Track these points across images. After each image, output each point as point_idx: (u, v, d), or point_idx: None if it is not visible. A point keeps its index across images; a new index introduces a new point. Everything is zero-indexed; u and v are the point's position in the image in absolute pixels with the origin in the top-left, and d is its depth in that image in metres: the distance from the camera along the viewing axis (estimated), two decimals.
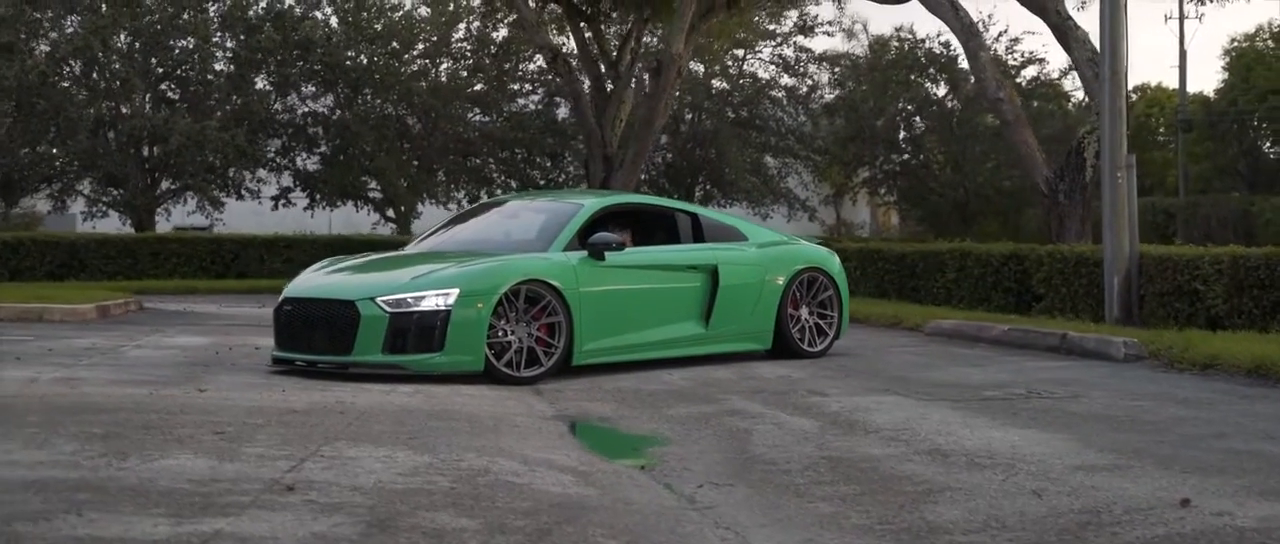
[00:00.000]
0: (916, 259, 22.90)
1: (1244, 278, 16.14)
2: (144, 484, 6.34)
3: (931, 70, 46.84)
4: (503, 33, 43.27)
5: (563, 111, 44.67)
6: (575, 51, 32.29)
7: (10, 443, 7.36)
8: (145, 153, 36.84)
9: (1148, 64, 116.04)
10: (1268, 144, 53.17)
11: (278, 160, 40.37)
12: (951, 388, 10.90)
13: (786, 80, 46.76)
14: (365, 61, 40.18)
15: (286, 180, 41.06)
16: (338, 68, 39.08)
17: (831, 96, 47.54)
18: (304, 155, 41.17)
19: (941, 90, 47.01)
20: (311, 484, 6.41)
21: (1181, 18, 49.63)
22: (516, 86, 43.74)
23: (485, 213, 14.57)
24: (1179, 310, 16.77)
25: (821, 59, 46.80)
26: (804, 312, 13.78)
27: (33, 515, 5.64)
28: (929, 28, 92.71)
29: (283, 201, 41.30)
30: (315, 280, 12.28)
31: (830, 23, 61.37)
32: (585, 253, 12.31)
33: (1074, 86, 45.08)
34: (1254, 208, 46.20)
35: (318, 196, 41.07)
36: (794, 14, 44.20)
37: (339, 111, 40.57)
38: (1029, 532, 5.82)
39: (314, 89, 40.87)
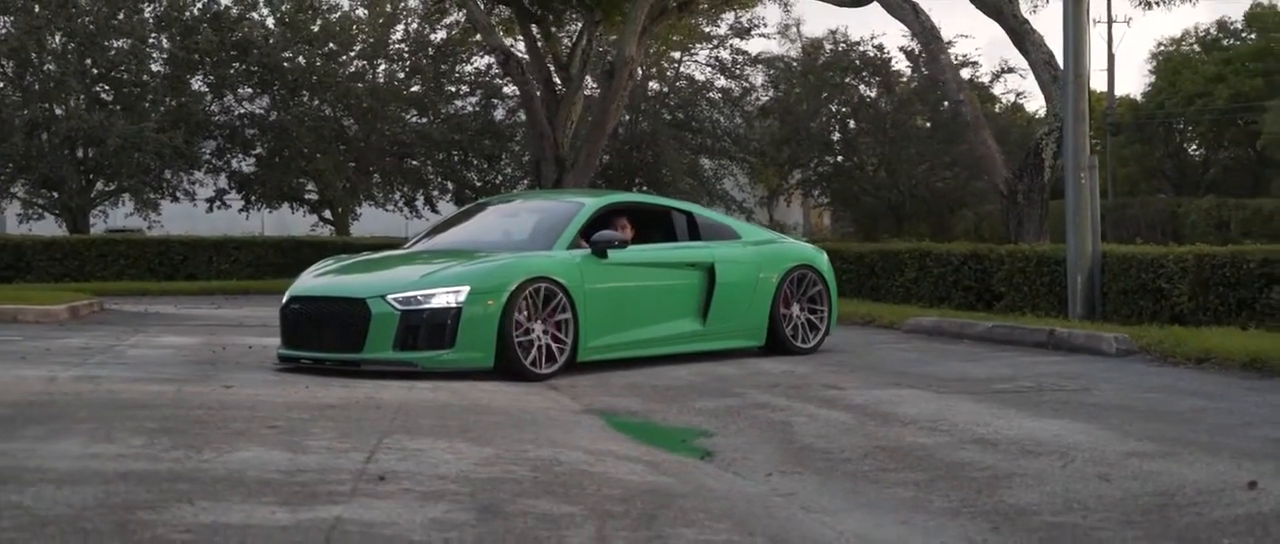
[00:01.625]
0: (875, 258, 23.18)
1: (1209, 276, 16.49)
2: (234, 475, 6.43)
3: (865, 73, 47.28)
4: (441, 35, 43.32)
5: (500, 113, 44.76)
6: (526, 54, 32.35)
7: (76, 438, 7.40)
8: (81, 155, 36.57)
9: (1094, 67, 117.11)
10: (1193, 146, 54.02)
11: (214, 162, 40.18)
12: (960, 382, 11.12)
13: (722, 82, 47.10)
14: (303, 62, 40.08)
15: (221, 182, 40.88)
16: (275, 69, 38.95)
17: (766, 98, 47.91)
18: (240, 157, 40.99)
19: (875, 93, 47.44)
20: (398, 474, 6.51)
21: (1109, 22, 50.40)
22: (454, 88, 43.78)
23: (483, 212, 14.70)
24: (1143, 308, 17.11)
25: (757, 61, 47.15)
26: (795, 308, 14.00)
27: (146, 505, 5.71)
28: (863, 31, 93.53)
29: (218, 203, 41.11)
30: (322, 280, 12.37)
31: (777, 27, 61.44)
32: (588, 251, 12.53)
33: (1005, 90, 46.03)
34: (1180, 209, 46.96)
35: (253, 198, 40.94)
36: (730, 16, 44.48)
37: (275, 113, 40.42)
38: (1112, 512, 6.02)
39: (251, 90, 40.72)
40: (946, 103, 31.72)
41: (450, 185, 44.23)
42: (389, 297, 11.42)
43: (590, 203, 13.24)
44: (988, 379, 11.25)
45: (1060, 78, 21.46)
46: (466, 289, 11.41)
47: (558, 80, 31.04)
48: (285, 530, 5.33)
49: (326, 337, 11.71)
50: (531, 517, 5.72)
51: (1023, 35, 22.14)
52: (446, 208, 44.47)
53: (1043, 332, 14.58)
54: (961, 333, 15.79)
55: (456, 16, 41.58)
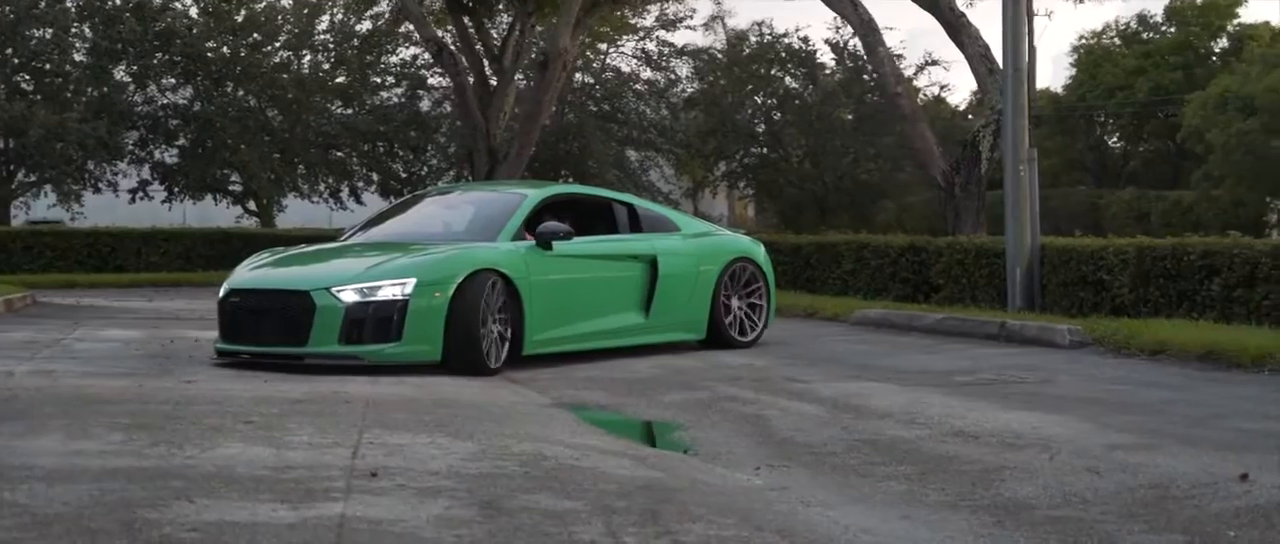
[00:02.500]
0: (812, 250, 23.24)
1: (1150, 268, 16.64)
2: (224, 472, 6.34)
3: (790, 66, 47.40)
4: (366, 26, 43.06)
5: (426, 105, 44.60)
6: (458, 45, 32.21)
7: (52, 434, 7.29)
8: (1, 146, 36.07)
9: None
10: (1114, 139, 54.56)
11: (137, 152, 39.76)
12: (922, 374, 11.15)
13: (648, 74, 47.14)
14: (227, 53, 39.72)
15: (144, 173, 40.46)
16: (199, 59, 38.59)
17: (692, 90, 47.96)
18: (163, 148, 40.59)
19: (800, 85, 47.56)
20: (389, 470, 6.45)
21: (1031, 16, 50.61)
22: (379, 80, 43.56)
23: (421, 203, 14.60)
24: (1083, 300, 17.24)
25: (683, 53, 47.19)
26: (735, 301, 13.97)
27: (145, 503, 5.63)
28: (789, 23, 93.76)
29: (141, 195, 40.69)
30: (261, 272, 12.08)
31: (704, 21, 61.16)
32: (532, 242, 12.35)
33: (929, 82, 46.29)
34: (1101, 201, 47.43)
35: (176, 190, 40.56)
36: (655, 9, 44.52)
37: (199, 103, 40.05)
38: (1110, 505, 6.05)
39: (174, 81, 40.32)
40: (881, 95, 31.83)
41: (376, 177, 44.02)
42: (333, 289, 11.20)
43: (533, 194, 13.08)
44: (949, 371, 11.29)
45: (997, 71, 21.63)
46: (413, 281, 11.21)
47: (490, 72, 30.91)
48: (293, 528, 5.26)
49: (268, 330, 11.44)
50: (535, 512, 5.67)
51: (959, 28, 22.26)
52: (372, 199, 44.26)
53: (994, 324, 14.65)
54: (910, 325, 15.85)
55: (383, 7, 41.38)
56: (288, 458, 6.75)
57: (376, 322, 11.12)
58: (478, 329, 11.25)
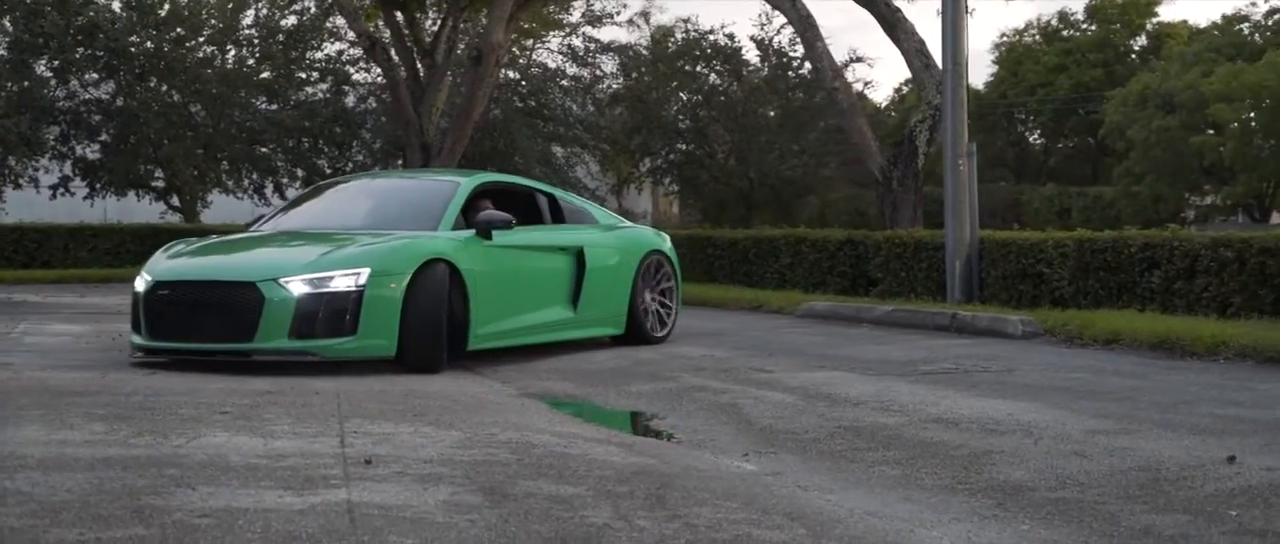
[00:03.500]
0: (749, 245, 23.32)
1: (1090, 261, 16.82)
2: (216, 460, 6.30)
3: (715, 62, 47.52)
4: (291, 20, 42.75)
5: (351, 100, 44.35)
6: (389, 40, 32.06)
7: (32, 425, 7.21)
8: None
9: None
10: (1035, 135, 55.09)
11: (58, 148, 39.28)
12: (883, 364, 11.22)
13: (573, 70, 47.09)
14: (151, 48, 39.31)
15: (66, 169, 39.97)
16: (122, 54, 38.16)
17: (617, 86, 47.98)
18: (85, 143, 40.11)
19: (724, 82, 47.69)
20: (382, 458, 6.43)
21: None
22: (304, 75, 43.27)
23: (334, 190, 13.74)
24: (1022, 292, 17.40)
25: (608, 49, 47.18)
26: (648, 296, 13.57)
27: (148, 490, 5.58)
28: (714, 19, 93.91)
29: (62, 191, 40.20)
30: (190, 262, 11.10)
31: (632, 15, 61.18)
32: (472, 232, 11.63)
33: (853, 79, 46.31)
34: (1023, 197, 47.88)
35: (98, 185, 40.10)
36: (581, 4, 44.49)
37: (122, 98, 39.62)
38: (1106, 487, 6.11)
39: (97, 75, 39.86)
40: (820, 90, 31.92)
41: (300, 172, 43.70)
42: (281, 280, 10.31)
43: (466, 181, 12.40)
44: (908, 361, 11.36)
45: (932, 66, 21.77)
46: (367, 271, 10.42)
47: (422, 67, 30.79)
48: (304, 514, 5.24)
49: (206, 326, 10.44)
50: (540, 497, 5.67)
51: (895, 24, 22.39)
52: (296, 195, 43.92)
53: (944, 315, 14.76)
54: (858, 317, 15.93)
55: (309, 2, 41.12)
56: (277, 447, 6.71)
57: (329, 314, 10.33)
58: (441, 321, 10.58)
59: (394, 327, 10.46)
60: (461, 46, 33.05)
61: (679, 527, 5.22)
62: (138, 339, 10.86)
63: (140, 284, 11.02)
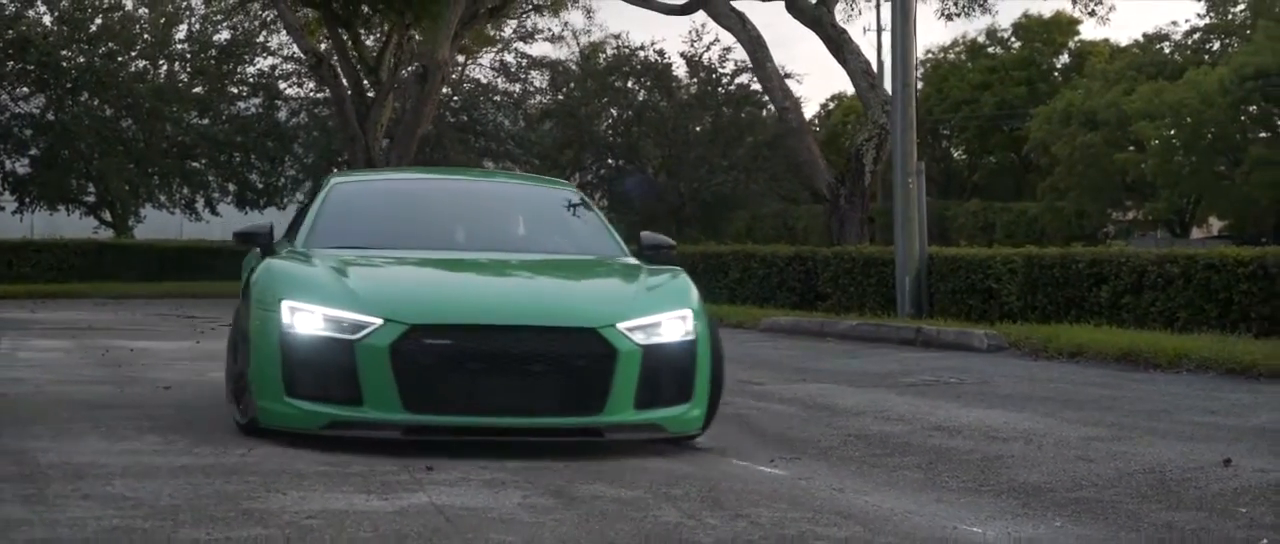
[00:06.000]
0: (697, 259, 23.81)
1: (1038, 276, 17.44)
2: (287, 468, 6.68)
3: (645, 79, 48.09)
4: (224, 35, 42.91)
5: (283, 114, 44.55)
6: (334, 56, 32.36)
7: (89, 437, 7.59)
8: None
9: (846, 75, 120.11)
10: (959, 152, 55.97)
11: None
12: (864, 376, 11.72)
13: (504, 84, 47.56)
14: (83, 62, 39.35)
15: None
16: (53, 68, 38.19)
17: (547, 101, 48.47)
18: (14, 158, 40.09)
19: (656, 98, 48.25)
20: (441, 465, 6.81)
21: (878, 30, 51.94)
22: (237, 90, 43.43)
23: (413, 194, 10.11)
24: (971, 307, 18.01)
25: (540, 65, 47.65)
26: None
27: (243, 496, 5.96)
28: (645, 36, 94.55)
29: None
30: (467, 295, 7.90)
31: (563, 31, 61.30)
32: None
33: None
34: (948, 212, 48.65)
35: (28, 200, 40.08)
36: (513, 21, 44.91)
37: (53, 113, 39.62)
38: (1120, 488, 6.61)
39: (28, 90, 39.85)
40: (773, 109, 32.35)
41: (232, 187, 43.87)
42: (619, 325, 7.51)
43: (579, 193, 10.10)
44: (887, 374, 11.86)
45: (877, 86, 22.41)
46: (690, 313, 7.85)
47: (367, 83, 31.12)
48: (400, 515, 5.64)
49: (515, 393, 7.34)
50: (605, 500, 6.09)
51: (841, 44, 22.98)
52: (227, 210, 44.08)
53: (910, 329, 15.29)
54: (823, 331, 16.44)
55: (242, 17, 41.29)
56: (332, 457, 7.09)
57: (671, 373, 7.64)
58: (723, 378, 8.07)
59: (706, 389, 7.85)
60: (408, 69, 33.38)
61: (746, 525, 5.66)
62: (368, 412, 7.28)
63: (379, 332, 7.29)
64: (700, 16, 28.58)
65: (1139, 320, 15.77)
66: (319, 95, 42.98)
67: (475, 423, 7.30)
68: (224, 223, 44.67)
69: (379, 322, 7.29)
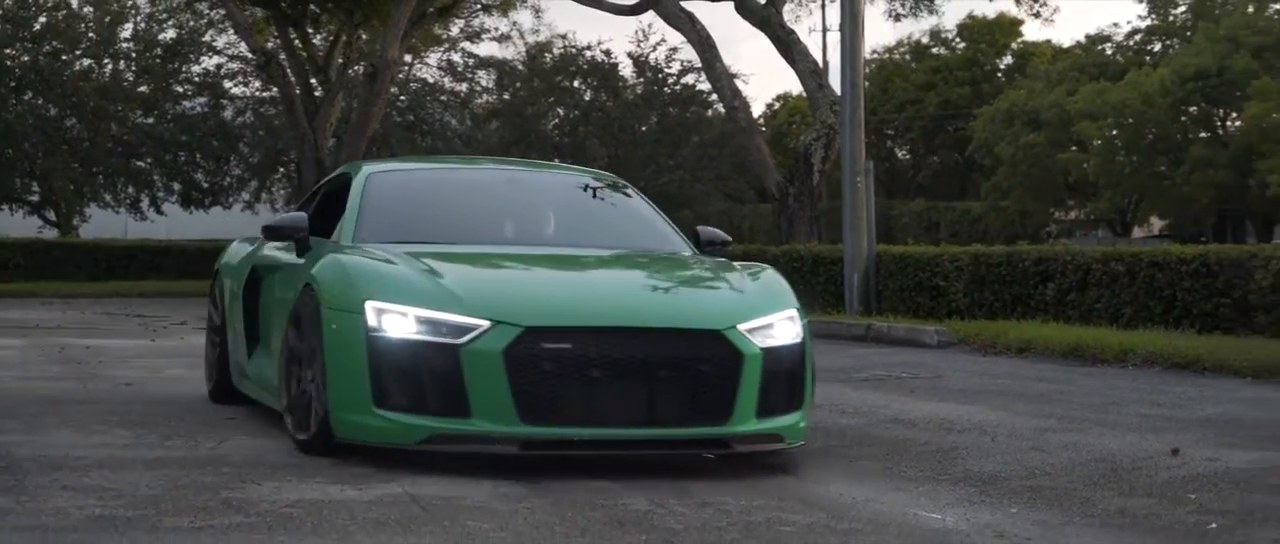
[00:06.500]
0: None
1: (985, 274, 17.68)
2: (257, 459, 6.84)
3: (591, 78, 48.27)
4: (170, 34, 42.83)
5: (229, 113, 44.50)
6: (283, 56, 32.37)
7: (61, 431, 7.73)
8: None
9: (792, 74, 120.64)
10: (904, 151, 56.43)
11: None
12: (818, 371, 11.83)
13: (450, 84, 47.66)
14: (27, 60, 39.21)
15: None
16: None
17: (494, 100, 48.58)
18: None
19: (603, 97, 48.43)
20: (409, 457, 6.94)
21: (824, 31, 52.30)
22: (182, 89, 43.36)
23: (454, 184, 9.20)
24: (919, 304, 18.25)
25: (487, 65, 47.76)
26: None
27: (222, 486, 6.09)
28: (591, 35, 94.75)
29: None
30: (579, 295, 7.27)
31: (509, 30, 61.23)
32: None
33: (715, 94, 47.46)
34: (893, 211, 49.06)
35: None
36: (460, 20, 45.02)
37: None
38: (1075, 477, 6.79)
39: None
40: (722, 109, 32.53)
41: (177, 186, 43.81)
42: (741, 327, 7.02)
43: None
44: (841, 369, 12.05)
45: (826, 86, 22.64)
46: (795, 313, 7.37)
47: (315, 82, 31.16)
48: (376, 504, 5.79)
49: (648, 402, 6.75)
50: (576, 489, 6.25)
51: (789, 45, 23.21)
52: (172, 209, 44.00)
53: (860, 326, 15.52)
54: None
55: (188, 16, 41.22)
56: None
57: (787, 379, 7.19)
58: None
59: (811, 396, 7.53)
60: (356, 69, 33.42)
61: (713, 512, 5.82)
62: (478, 425, 6.62)
63: (489, 335, 6.64)
64: (647, 16, 28.89)
65: (1084, 317, 16.03)
66: (265, 94, 43.00)
67: (597, 435, 6.66)
68: (168, 222, 44.65)
69: (486, 324, 6.64)
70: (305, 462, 6.77)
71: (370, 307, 6.78)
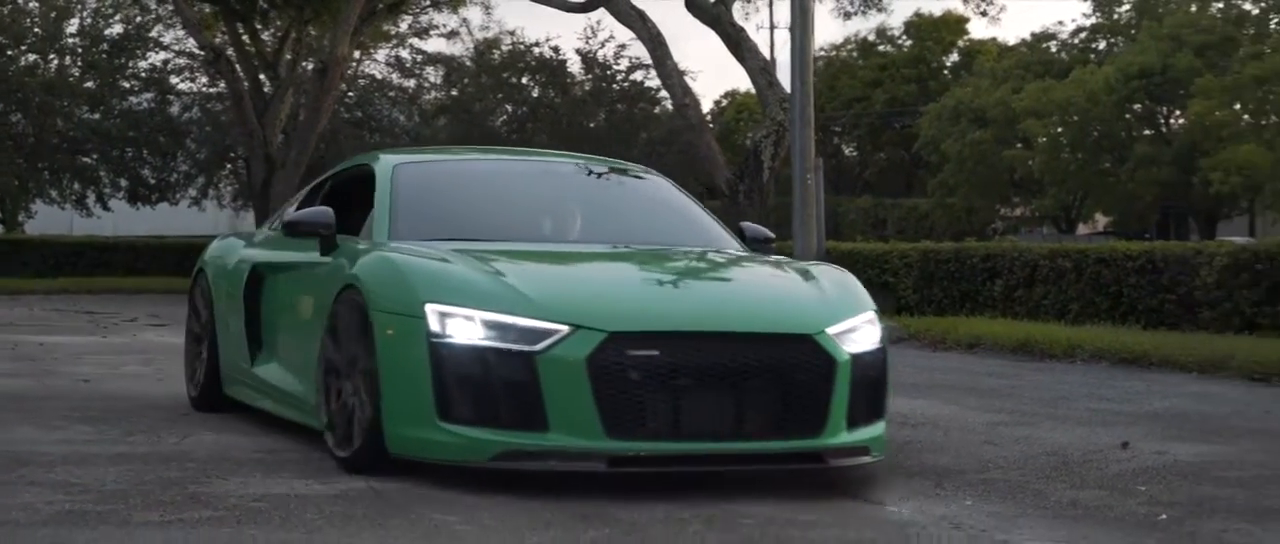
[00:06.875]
0: None
1: (934, 271, 17.88)
2: (222, 455, 6.90)
3: (540, 74, 48.30)
4: (116, 30, 42.65)
5: (175, 109, 44.35)
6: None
7: (22, 427, 7.76)
8: None
9: (739, 72, 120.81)
10: (850, 148, 56.69)
11: None
12: None
13: (399, 80, 47.63)
14: None
15: None
16: None
17: (442, 96, 48.56)
18: None
19: (551, 93, 48.48)
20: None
21: (772, 28, 52.50)
22: (128, 84, 43.19)
23: (481, 176, 8.48)
24: None
25: (435, 61, 47.74)
26: None
27: (188, 481, 6.14)
28: (540, 32, 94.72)
29: None
30: (665, 299, 6.62)
31: (458, 27, 61.02)
32: None
33: (664, 91, 47.57)
34: (840, 208, 49.30)
35: None
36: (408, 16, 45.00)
37: None
38: (1027, 470, 6.92)
39: None
40: (640, 103, 32.80)
41: (124, 182, 43.65)
42: (828, 330, 6.49)
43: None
44: None
45: (775, 84, 22.77)
46: (874, 316, 6.94)
47: (264, 78, 31.11)
48: (341, 498, 5.86)
49: (737, 413, 6.21)
50: (539, 484, 6.31)
51: (739, 42, 23.34)
52: (118, 205, 43.85)
53: None
54: None
55: (135, 11, 41.08)
56: (264, 444, 7.30)
57: (872, 386, 6.67)
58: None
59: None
60: (305, 65, 33.38)
61: (672, 505, 5.90)
62: (558, 440, 6.06)
63: (541, 340, 6.10)
64: (597, 12, 28.93)
65: (1032, 313, 16.24)
66: (212, 90, 42.88)
67: (685, 450, 6.12)
68: (115, 218, 44.50)
69: (565, 329, 6.07)
70: (269, 457, 6.83)
71: (431, 310, 6.19)
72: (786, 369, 6.25)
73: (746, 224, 8.16)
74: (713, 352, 6.16)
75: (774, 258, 7.62)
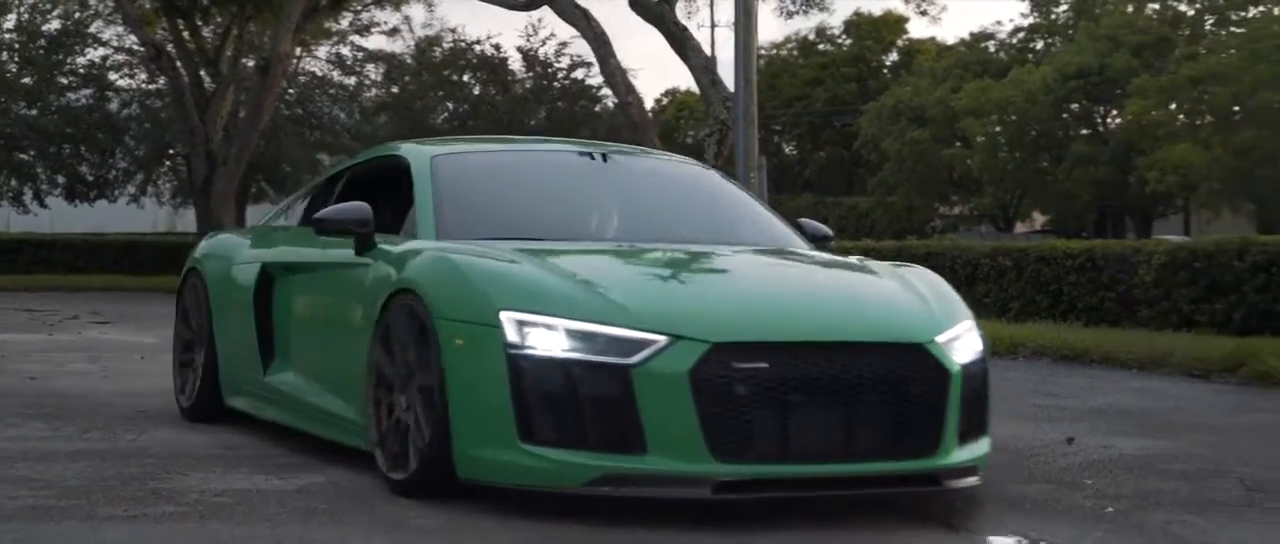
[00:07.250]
0: None
1: None
2: (181, 452, 6.95)
3: (481, 72, 48.36)
4: (54, 25, 42.38)
5: (114, 106, 44.13)
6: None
7: None
8: None
9: (681, 70, 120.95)
10: (791, 147, 56.96)
11: None
12: None
13: (340, 77, 47.56)
14: None
15: None
16: None
17: (383, 94, 48.54)
18: None
19: (491, 91, 48.54)
20: (338, 446, 7.06)
21: (712, 26, 52.79)
22: (66, 80, 42.95)
23: (523, 168, 7.61)
24: None
25: (376, 58, 47.70)
26: None
27: (149, 476, 6.18)
28: (481, 30, 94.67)
29: None
30: (761, 301, 5.95)
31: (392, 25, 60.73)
32: None
33: (607, 90, 47.64)
34: (781, 207, 49.57)
35: None
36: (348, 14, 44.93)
37: None
38: None
39: None
40: (580, 101, 32.83)
41: (62, 179, 43.42)
42: (937, 339, 5.87)
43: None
44: None
45: (718, 82, 22.89)
46: (972, 323, 6.35)
47: (205, 75, 31.02)
48: (303, 492, 5.92)
49: (846, 431, 5.58)
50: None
51: (682, 41, 23.44)
52: (56, 203, 43.61)
53: None
54: None
55: (75, 6, 40.85)
56: (226, 440, 7.34)
57: (978, 400, 6.13)
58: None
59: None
60: (246, 62, 33.27)
61: (633, 502, 5.98)
62: (658, 463, 5.42)
63: (637, 352, 5.46)
64: (538, 10, 28.98)
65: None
66: (151, 87, 42.69)
67: (794, 473, 5.47)
68: (52, 215, 44.22)
69: (663, 339, 5.44)
70: (228, 453, 6.88)
71: (507, 318, 5.56)
72: (901, 381, 5.65)
73: (805, 220, 7.59)
74: (824, 363, 5.54)
75: (852, 259, 7.02)
